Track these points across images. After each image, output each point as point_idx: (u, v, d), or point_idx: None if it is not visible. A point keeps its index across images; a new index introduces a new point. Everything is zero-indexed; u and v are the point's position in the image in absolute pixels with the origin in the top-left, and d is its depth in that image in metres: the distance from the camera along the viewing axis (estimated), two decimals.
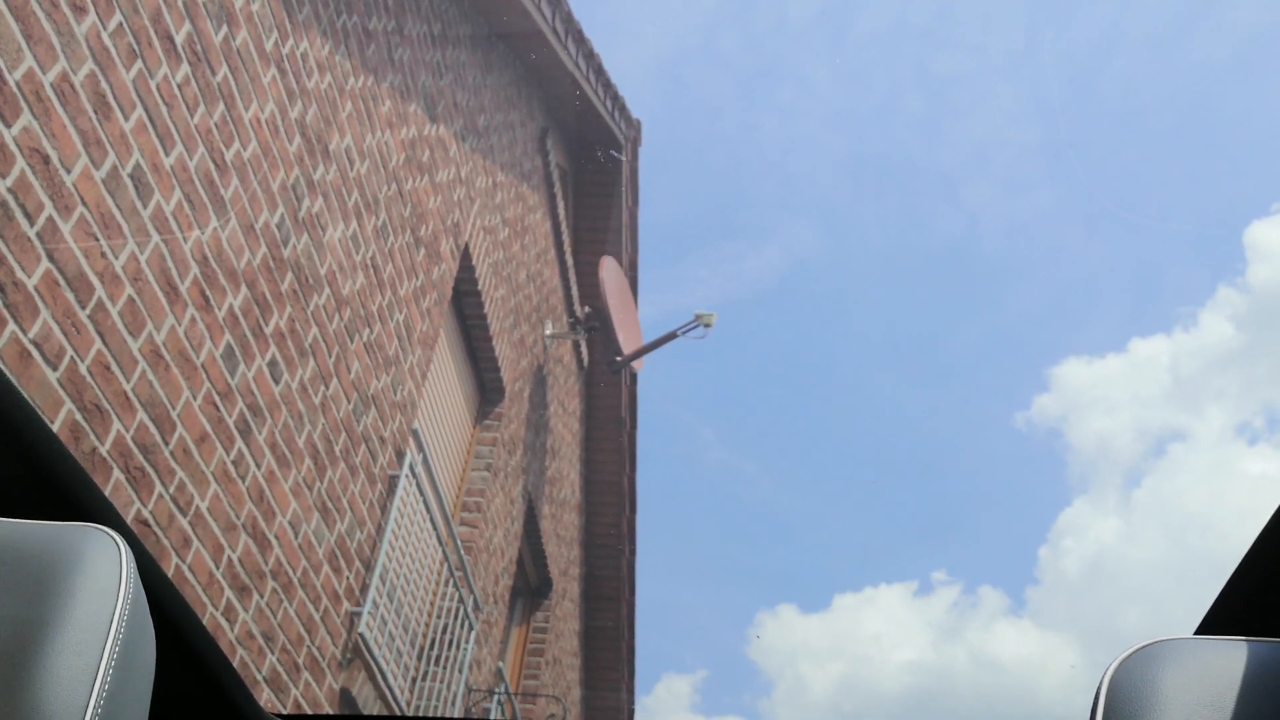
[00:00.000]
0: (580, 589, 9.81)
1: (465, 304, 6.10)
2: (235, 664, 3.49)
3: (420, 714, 5.56)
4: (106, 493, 2.73)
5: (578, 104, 7.59)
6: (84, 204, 2.62)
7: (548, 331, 7.90)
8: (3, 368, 1.66)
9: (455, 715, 5.99)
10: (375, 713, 4.80)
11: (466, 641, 6.21)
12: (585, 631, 10.10)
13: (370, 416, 4.57)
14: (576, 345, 8.95)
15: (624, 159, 8.39)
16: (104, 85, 2.69)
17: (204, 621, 3.08)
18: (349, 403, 4.33)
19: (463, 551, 6.15)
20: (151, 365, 2.93)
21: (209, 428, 3.25)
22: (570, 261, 8.40)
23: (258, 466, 3.58)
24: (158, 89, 2.92)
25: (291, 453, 3.83)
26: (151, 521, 2.96)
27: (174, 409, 3.05)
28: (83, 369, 2.64)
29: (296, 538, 3.91)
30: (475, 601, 6.41)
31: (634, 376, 9.30)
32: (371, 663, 4.73)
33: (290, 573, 3.87)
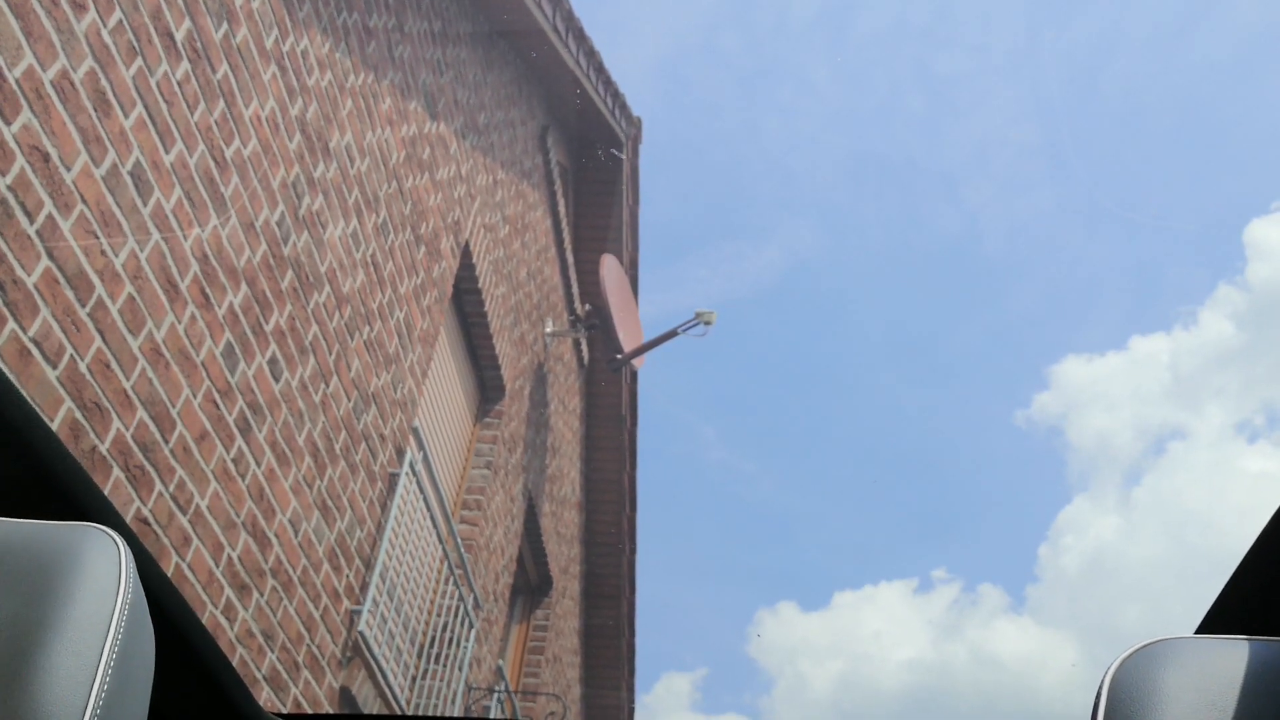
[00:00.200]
0: (580, 587, 9.82)
1: (465, 301, 6.10)
2: (235, 663, 3.50)
3: (420, 713, 5.56)
4: (106, 491, 2.74)
5: (578, 102, 7.59)
6: (84, 202, 2.62)
7: (548, 329, 7.90)
8: (2, 366, 1.66)
9: (455, 714, 5.99)
10: (375, 711, 4.80)
11: (466, 639, 6.21)
12: (585, 629, 10.10)
13: (370, 414, 4.57)
14: (577, 343, 8.95)
15: (624, 157, 8.38)
16: (104, 83, 2.68)
17: (203, 620, 3.09)
18: (349, 400, 4.33)
19: (463, 549, 6.15)
20: (151, 363, 2.93)
21: (209, 426, 3.25)
22: (571, 259, 8.40)
23: (258, 464, 3.58)
24: (158, 86, 2.92)
25: (291, 451, 3.83)
26: (151, 520, 2.96)
27: (174, 407, 3.05)
28: (82, 367, 2.64)
29: (296, 536, 3.91)
30: (475, 599, 6.41)
31: (634, 374, 9.30)
32: (371, 661, 4.73)
33: (290, 571, 3.87)
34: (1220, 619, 1.18)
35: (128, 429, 2.83)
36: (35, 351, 2.47)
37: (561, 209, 8.07)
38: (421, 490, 5.30)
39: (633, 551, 10.03)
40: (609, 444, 9.70)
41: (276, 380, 3.69)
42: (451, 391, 6.14)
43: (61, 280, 2.56)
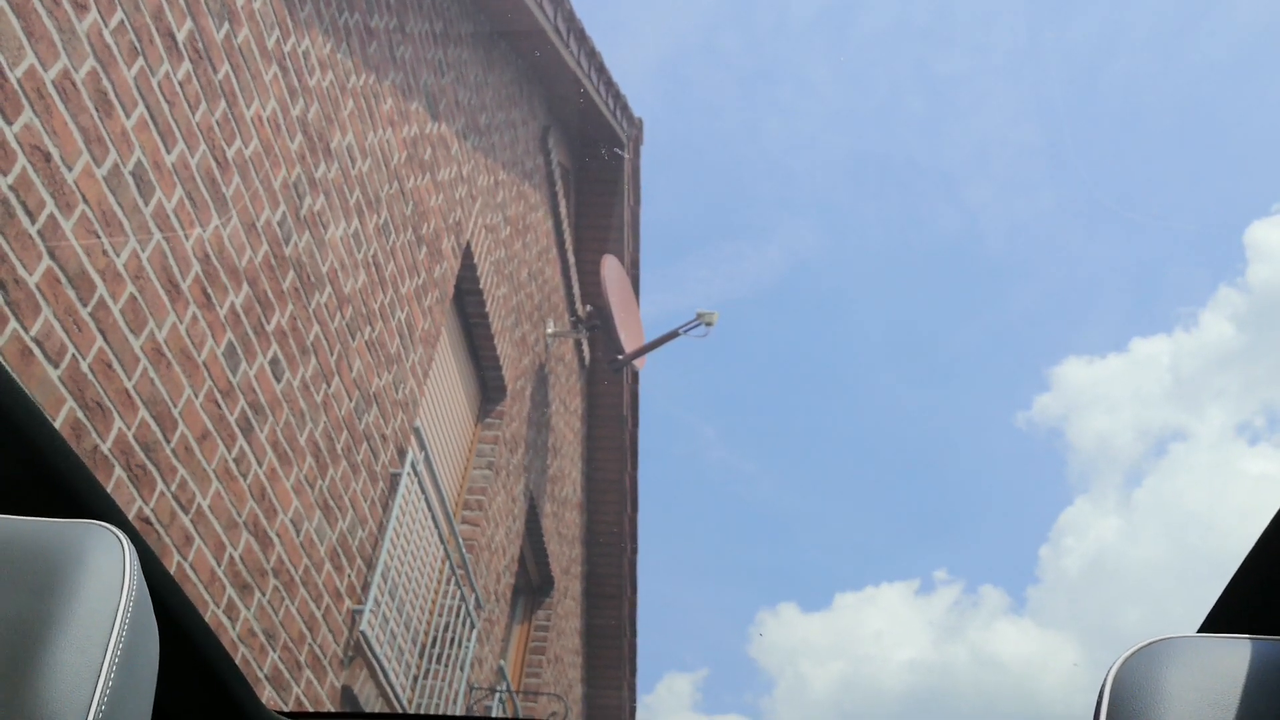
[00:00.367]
0: (582, 587, 9.82)
1: (467, 302, 6.10)
2: (237, 661, 3.49)
3: (422, 712, 5.56)
4: (108, 490, 2.74)
5: (579, 102, 7.59)
6: (85, 202, 2.62)
7: (549, 330, 7.90)
8: (5, 365, 1.66)
9: (457, 713, 5.99)
10: (377, 710, 4.80)
11: (468, 639, 6.22)
12: (587, 630, 10.10)
13: (372, 414, 4.57)
14: (578, 343, 8.95)
15: (626, 157, 8.38)
16: (105, 83, 2.69)
17: (206, 619, 3.08)
18: (350, 401, 4.33)
19: (464, 549, 6.15)
20: (153, 363, 2.94)
21: (210, 425, 3.26)
22: (572, 260, 8.40)
23: (259, 464, 3.58)
24: (159, 86, 2.92)
25: (293, 450, 3.83)
26: (153, 519, 2.96)
27: (175, 407, 3.05)
28: (84, 367, 2.64)
29: (298, 535, 3.91)
30: (477, 599, 6.41)
31: (635, 375, 9.30)
32: (373, 660, 4.73)
33: (292, 570, 3.87)
34: (1221, 619, 1.18)
35: (129, 428, 2.83)
36: (37, 351, 2.47)
37: (563, 209, 8.07)
38: (423, 490, 5.30)
39: (634, 552, 10.03)
40: (610, 444, 9.70)
41: (278, 380, 3.69)
42: (453, 392, 6.14)
43: (63, 280, 2.56)
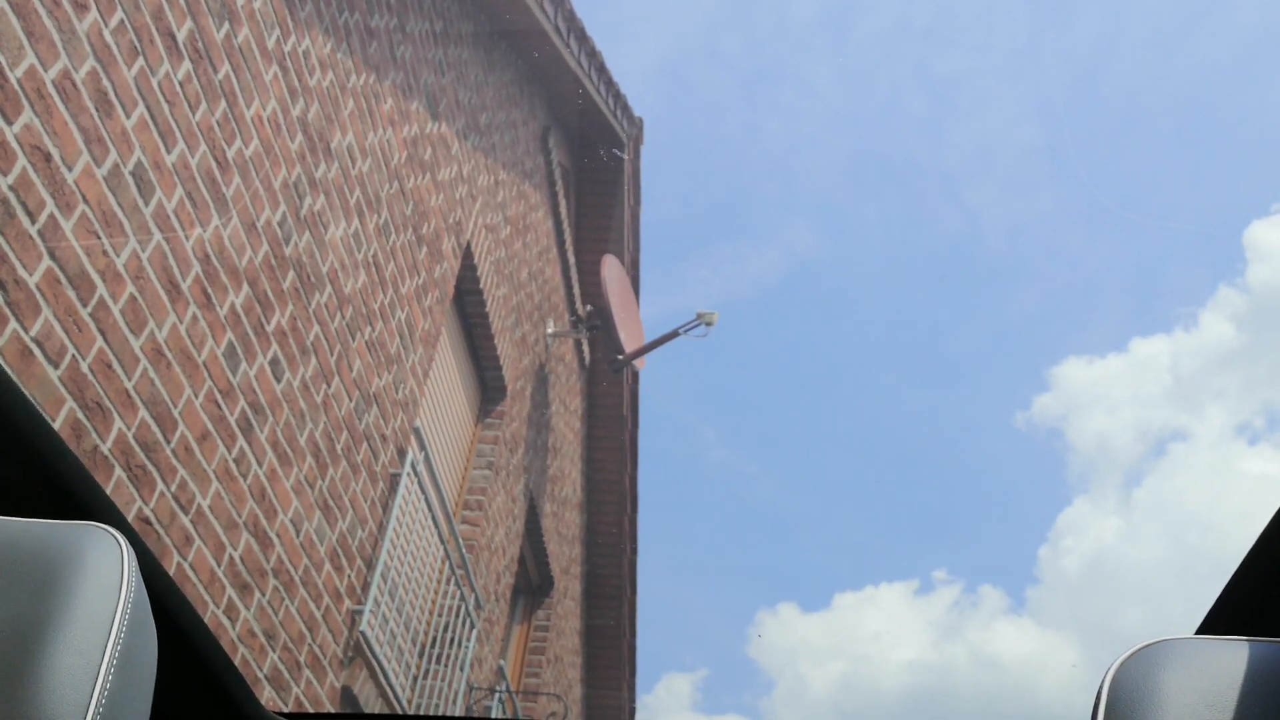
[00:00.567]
0: (582, 587, 9.82)
1: (467, 302, 6.10)
2: (237, 662, 3.50)
3: (422, 712, 5.56)
4: (108, 491, 2.74)
5: (580, 102, 7.59)
6: (85, 202, 2.63)
7: (549, 330, 7.90)
8: (4, 366, 1.66)
9: (457, 713, 5.99)
10: (377, 711, 4.81)
11: (468, 639, 6.22)
12: (586, 630, 10.10)
13: (372, 415, 4.57)
14: (578, 344, 8.95)
15: (626, 158, 8.38)
16: (106, 83, 2.69)
17: (205, 619, 3.09)
18: (350, 401, 4.33)
19: (464, 550, 6.15)
20: (153, 363, 2.94)
21: (210, 426, 3.26)
22: (572, 260, 8.40)
23: (259, 464, 3.58)
24: (159, 86, 2.92)
25: (293, 451, 3.83)
26: (153, 519, 2.96)
27: (175, 407, 3.05)
28: (84, 367, 2.64)
29: (298, 536, 3.91)
30: (477, 599, 6.41)
31: (635, 375, 9.30)
32: (373, 661, 4.73)
33: (292, 571, 3.87)
34: (1220, 620, 1.18)
35: (129, 429, 2.83)
36: (37, 351, 2.47)
37: (563, 209, 8.07)
38: (423, 490, 5.30)
39: (634, 552, 10.03)
40: (610, 444, 9.70)
41: (278, 380, 3.69)
42: (453, 392, 6.14)
43: (63, 280, 2.56)
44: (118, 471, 2.78)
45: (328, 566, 4.21)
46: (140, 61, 2.83)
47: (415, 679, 5.56)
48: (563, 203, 8.06)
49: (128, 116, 2.78)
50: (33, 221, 2.44)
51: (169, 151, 2.98)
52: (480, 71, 5.94)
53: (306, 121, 3.81)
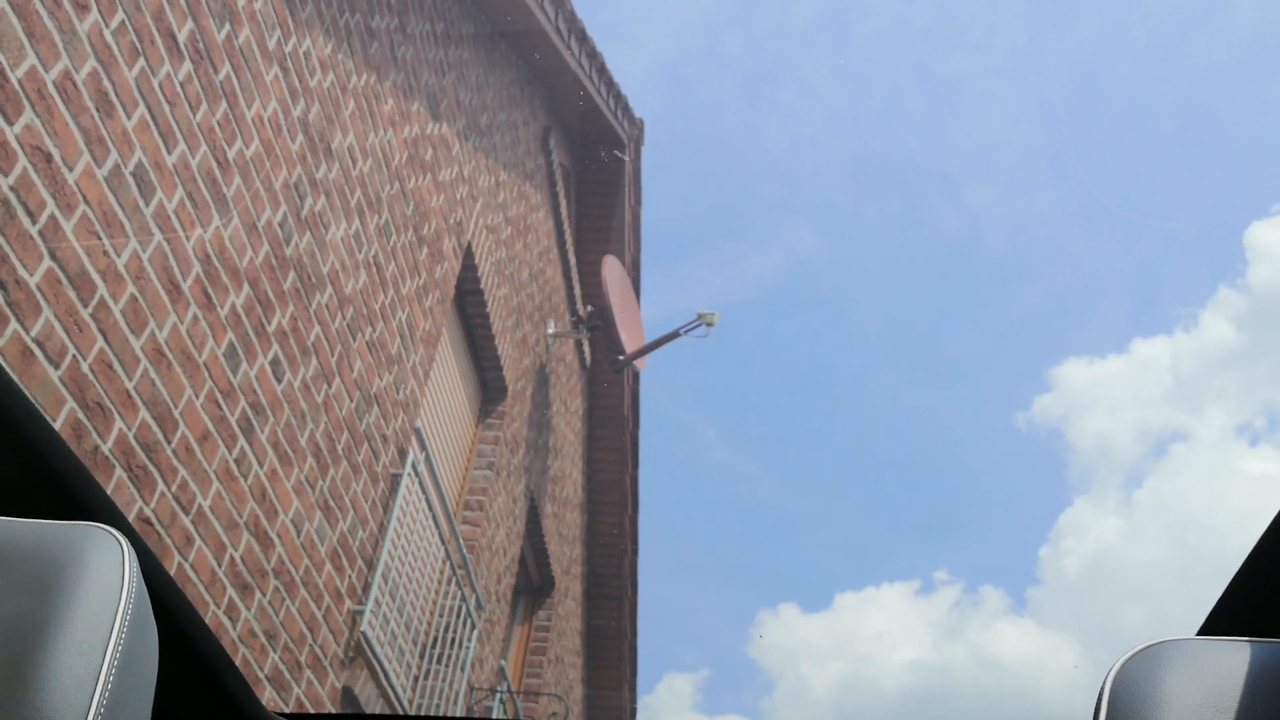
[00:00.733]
0: (582, 588, 9.82)
1: (468, 302, 6.10)
2: (238, 662, 3.49)
3: (422, 713, 5.56)
4: (109, 491, 2.74)
5: (581, 103, 7.59)
6: (86, 202, 2.63)
7: (550, 330, 7.90)
8: (5, 366, 1.66)
9: (457, 714, 5.99)
10: (377, 711, 4.81)
11: (469, 640, 6.22)
12: (587, 630, 10.10)
13: (372, 415, 4.57)
14: (579, 344, 8.95)
15: (627, 158, 8.38)
16: (106, 83, 2.69)
17: (206, 620, 3.09)
18: (351, 401, 4.33)
19: (465, 550, 6.15)
20: (154, 363, 2.94)
21: (211, 426, 3.26)
22: (573, 260, 8.40)
23: (260, 465, 3.58)
24: (160, 87, 2.92)
25: (294, 451, 3.83)
26: (154, 520, 2.96)
27: (176, 407, 3.06)
28: (85, 367, 2.64)
29: (299, 536, 3.91)
30: (477, 600, 6.41)
31: (636, 375, 9.30)
32: (374, 661, 4.73)
33: (292, 571, 3.87)
34: (1221, 621, 1.18)
35: (130, 429, 2.83)
36: (38, 352, 2.47)
37: (564, 210, 8.07)
38: (424, 491, 5.30)
39: (634, 552, 10.03)
40: (611, 445, 9.70)
41: (279, 381, 3.69)
42: (453, 392, 6.14)
43: (64, 280, 2.56)
44: (118, 472, 2.78)
45: (328, 567, 4.21)
46: (141, 62, 2.83)
47: (416, 679, 5.56)
48: (563, 203, 8.06)
49: (129, 117, 2.78)
50: (33, 222, 2.44)
51: (170, 152, 2.98)
52: (481, 72, 5.94)
53: (307, 122, 3.81)
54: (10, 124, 2.35)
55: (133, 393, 2.84)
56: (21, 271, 2.41)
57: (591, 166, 8.61)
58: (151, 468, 2.93)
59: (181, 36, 3.02)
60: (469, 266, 5.87)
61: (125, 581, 0.82)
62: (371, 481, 4.62)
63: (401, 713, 5.14)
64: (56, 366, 2.54)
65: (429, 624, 5.74)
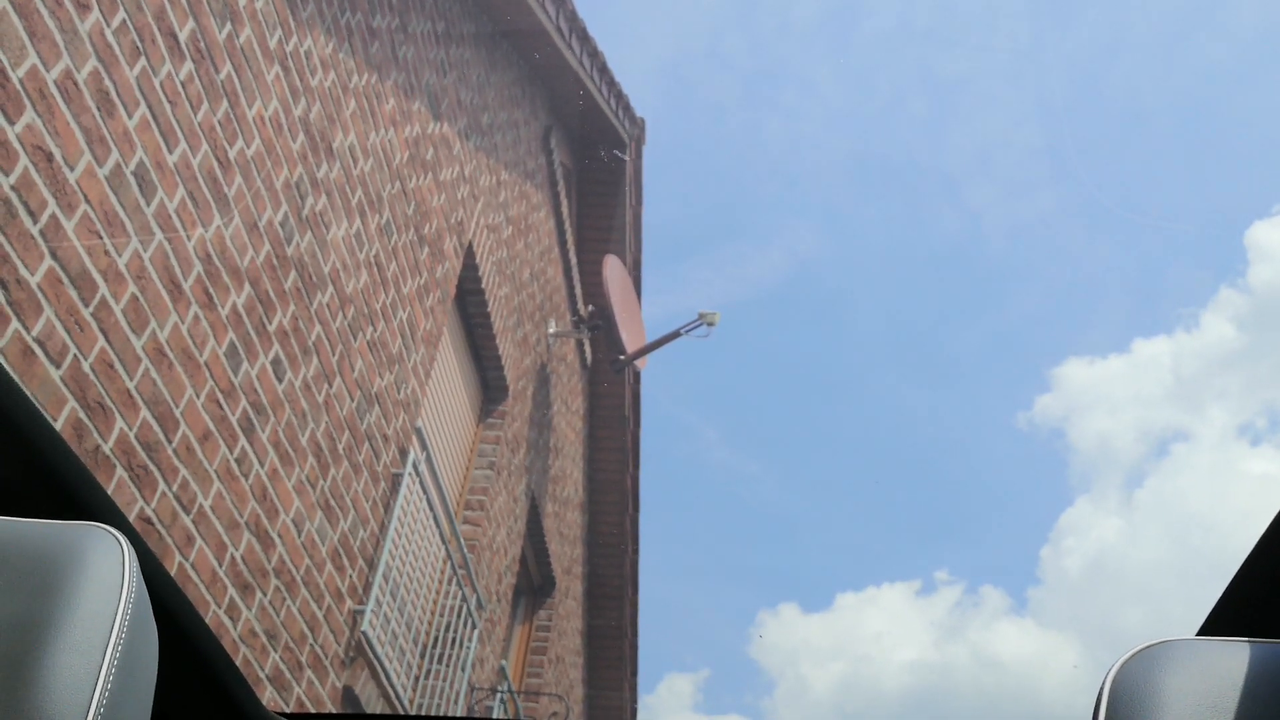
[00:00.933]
0: (583, 588, 9.82)
1: (469, 302, 6.10)
2: (238, 662, 3.50)
3: (423, 712, 5.57)
4: (109, 491, 2.74)
5: (582, 103, 7.59)
6: (87, 201, 2.63)
7: (551, 330, 7.90)
8: (5, 365, 1.66)
9: (458, 713, 5.99)
10: (378, 711, 4.81)
11: (469, 639, 6.22)
12: (588, 630, 10.10)
13: (373, 415, 4.57)
14: (580, 344, 8.95)
15: (628, 158, 8.39)
16: (107, 82, 2.69)
17: (207, 620, 3.09)
18: (352, 401, 4.33)
19: (466, 550, 6.15)
20: (155, 363, 2.94)
21: (212, 426, 3.26)
22: (574, 260, 8.40)
23: (261, 465, 3.59)
24: (161, 86, 2.92)
25: (294, 451, 3.83)
26: (154, 519, 2.96)
27: (177, 407, 3.06)
28: (86, 367, 2.64)
29: (299, 536, 3.91)
30: (478, 600, 6.41)
31: (637, 375, 9.30)
32: (374, 661, 4.74)
33: (293, 571, 3.88)
34: (1221, 621, 1.18)
35: (131, 429, 2.83)
36: (39, 351, 2.47)
37: (565, 210, 8.07)
38: (424, 491, 5.30)
39: (635, 552, 10.03)
40: (611, 445, 9.70)
41: (280, 380, 3.70)
42: (454, 392, 6.14)
43: (65, 280, 2.56)
44: (119, 471, 2.79)
45: (329, 566, 4.21)
46: (142, 61, 2.83)
47: (417, 679, 5.56)
48: (564, 203, 8.06)
49: (130, 116, 2.78)
50: (34, 221, 2.44)
51: (171, 151, 2.98)
52: (482, 71, 5.94)
53: (308, 121, 3.81)
54: (11, 123, 2.36)
55: (134, 392, 2.84)
56: (23, 271, 2.41)
57: (592, 166, 8.61)
58: (152, 467, 2.93)
59: (183, 36, 3.02)
60: (470, 266, 5.87)
61: (125, 581, 0.82)
62: (372, 481, 4.62)
63: (402, 713, 5.14)
64: (57, 366, 2.54)
65: (430, 624, 5.74)
